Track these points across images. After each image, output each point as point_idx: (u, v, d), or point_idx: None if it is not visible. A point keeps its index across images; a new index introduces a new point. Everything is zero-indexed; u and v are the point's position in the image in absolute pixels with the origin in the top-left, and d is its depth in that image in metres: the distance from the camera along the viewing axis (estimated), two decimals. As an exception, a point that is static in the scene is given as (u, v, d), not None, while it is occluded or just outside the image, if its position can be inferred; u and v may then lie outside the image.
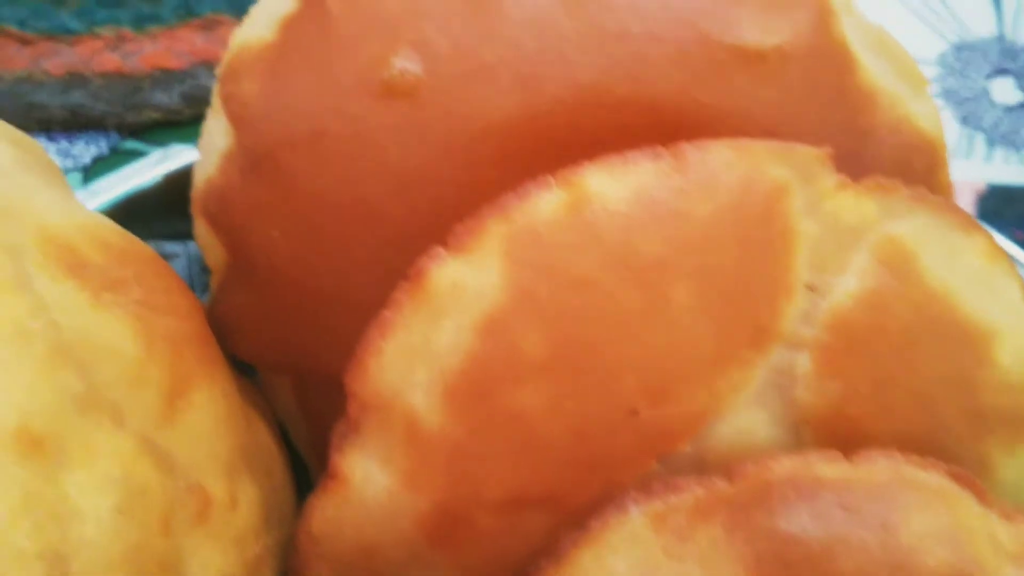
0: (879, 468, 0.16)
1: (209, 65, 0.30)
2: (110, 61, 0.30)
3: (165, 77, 0.30)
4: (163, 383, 0.15)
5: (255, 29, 0.18)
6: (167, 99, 0.30)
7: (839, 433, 0.18)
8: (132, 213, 0.18)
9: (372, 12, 0.17)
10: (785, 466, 0.17)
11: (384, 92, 0.17)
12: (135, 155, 0.30)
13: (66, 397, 0.13)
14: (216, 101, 0.18)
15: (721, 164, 0.16)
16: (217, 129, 0.18)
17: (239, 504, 0.16)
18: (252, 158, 0.18)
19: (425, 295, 0.16)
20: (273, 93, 0.18)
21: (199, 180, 0.19)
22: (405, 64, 0.17)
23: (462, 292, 0.16)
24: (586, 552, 0.17)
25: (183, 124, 0.30)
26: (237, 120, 0.18)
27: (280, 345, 0.19)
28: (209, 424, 0.16)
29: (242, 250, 0.19)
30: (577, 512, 0.17)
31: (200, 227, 0.19)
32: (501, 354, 0.16)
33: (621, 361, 0.16)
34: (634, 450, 0.17)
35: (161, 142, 0.30)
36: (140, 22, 0.31)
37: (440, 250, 0.16)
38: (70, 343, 0.14)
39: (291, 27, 0.18)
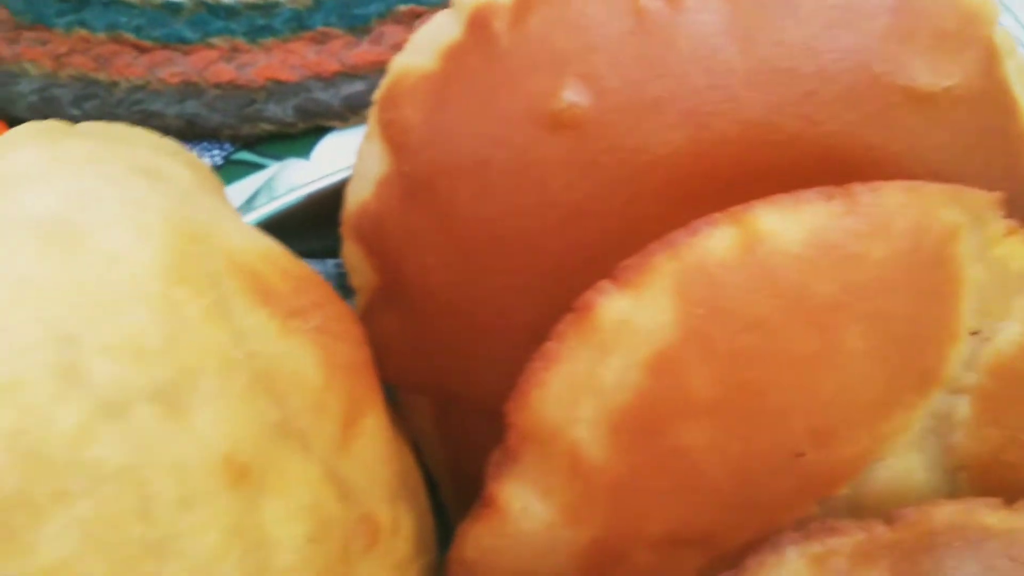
0: None
1: (321, 78, 0.31)
2: (225, 72, 0.30)
3: (279, 89, 0.30)
4: (340, 410, 0.15)
5: (417, 57, 0.18)
6: (280, 112, 0.30)
7: (996, 480, 0.17)
8: (273, 232, 0.18)
9: (542, 44, 0.17)
10: (947, 512, 0.17)
11: (551, 124, 0.17)
12: (248, 166, 0.31)
13: (266, 426, 0.14)
14: (373, 126, 0.19)
15: (894, 206, 0.16)
16: (373, 153, 0.19)
17: (400, 530, 0.17)
18: (411, 185, 0.18)
19: (592, 329, 0.16)
20: (435, 121, 0.18)
21: (352, 203, 0.19)
22: (573, 97, 0.17)
23: (631, 328, 0.16)
24: None
25: (295, 137, 0.30)
26: (397, 146, 0.18)
27: (426, 368, 0.19)
28: (377, 450, 0.16)
29: (394, 274, 0.19)
30: (732, 552, 0.17)
31: (350, 248, 0.19)
32: (670, 392, 0.16)
33: (790, 403, 0.16)
34: (795, 493, 0.17)
35: (274, 154, 0.30)
36: (253, 34, 0.31)
37: (607, 284, 0.16)
38: (265, 372, 0.14)
39: (455, 56, 0.18)
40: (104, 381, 0.12)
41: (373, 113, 0.19)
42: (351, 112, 0.31)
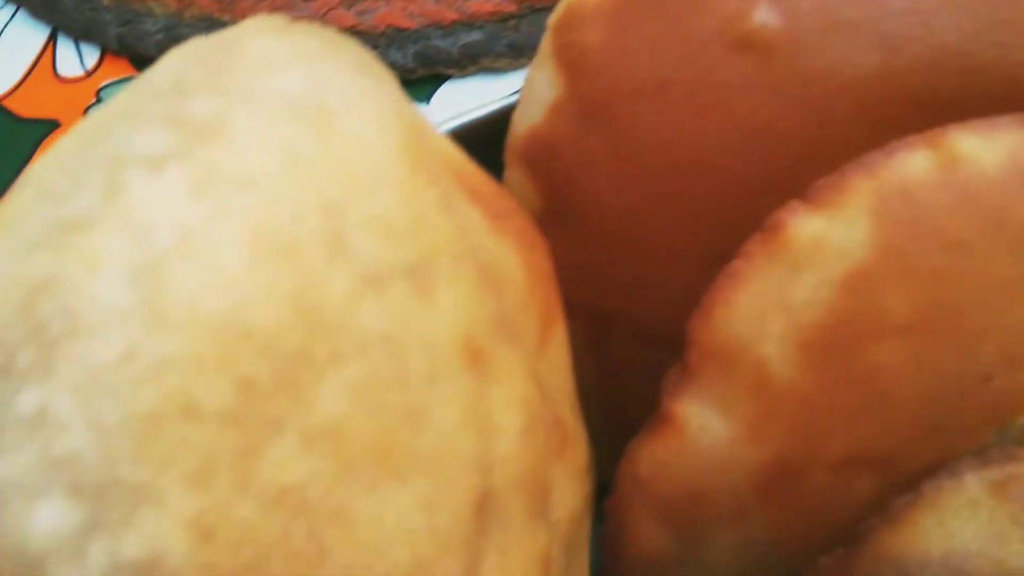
0: None
1: (439, 27, 0.31)
2: (346, 18, 0.31)
3: (399, 36, 0.31)
4: (539, 314, 0.16)
5: (596, -19, 0.18)
6: (400, 58, 0.30)
7: None
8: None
9: (732, -34, 0.17)
10: None
11: (739, 45, 0.17)
12: (369, 110, 0.31)
13: (491, 315, 0.14)
14: (546, 51, 0.19)
15: (1092, 134, 0.16)
16: (545, 79, 0.19)
17: (580, 439, 0.17)
18: (587, 108, 0.18)
19: (783, 247, 0.16)
20: (616, 43, 0.18)
21: (521, 128, 0.19)
22: (764, 17, 0.17)
23: (825, 246, 0.16)
24: (924, 514, 0.17)
25: (414, 83, 0.30)
26: (573, 70, 0.18)
27: (589, 291, 0.19)
28: (564, 359, 0.16)
29: (562, 198, 0.19)
30: (907, 477, 0.17)
31: (515, 173, 0.20)
32: (864, 311, 0.16)
33: (984, 326, 0.16)
34: (977, 418, 0.17)
35: (395, 99, 0.31)
36: (373, -19, 0.31)
37: (799, 204, 0.17)
38: (485, 265, 0.14)
39: (639, -21, 0.18)
40: (364, 254, 0.12)
41: (547, 39, 0.19)
42: (469, 61, 0.31)
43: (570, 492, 0.16)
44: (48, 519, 0.10)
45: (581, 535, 0.17)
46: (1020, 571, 0.16)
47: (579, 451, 0.16)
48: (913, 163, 0.16)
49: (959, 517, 0.16)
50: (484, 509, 0.13)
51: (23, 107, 0.33)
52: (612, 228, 0.19)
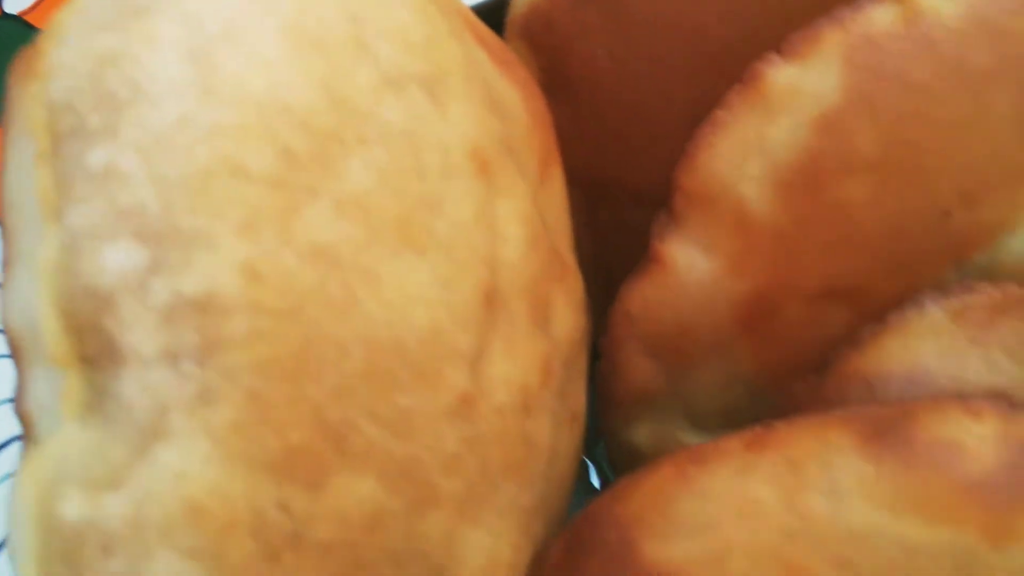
0: None
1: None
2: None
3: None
4: (539, 150, 0.17)
5: None
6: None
7: None
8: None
9: None
10: None
11: (722, -84, 0.18)
12: None
13: (496, 136, 0.15)
14: (544, -70, 0.20)
15: (1043, -10, 0.18)
16: (540, -42, 0.20)
17: (577, 277, 0.18)
18: (583, -20, 0.20)
19: (761, 96, 0.18)
20: (609, -81, 0.19)
21: (520, 4, 0.20)
22: None
23: (799, 93, 0.17)
24: (890, 340, 0.18)
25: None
26: (569, -55, 0.20)
27: (584, 156, 0.21)
28: (561, 199, 0.18)
29: (559, 68, 0.20)
30: (876, 309, 0.19)
31: (515, 47, 0.21)
32: (834, 149, 0.17)
33: (943, 164, 0.17)
34: (938, 252, 0.18)
35: None
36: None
37: (775, 56, 0.18)
38: (492, 94, 0.16)
39: None
40: (385, 57, 0.13)
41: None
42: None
43: (569, 318, 0.17)
44: (116, 260, 0.11)
45: (579, 363, 0.18)
46: (976, 384, 0.17)
47: (576, 285, 0.18)
48: (879, 16, 0.17)
49: (921, 340, 0.18)
50: (492, 301, 0.14)
51: (43, 22, 0.35)
52: (607, 95, 0.20)
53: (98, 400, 0.12)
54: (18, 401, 0.14)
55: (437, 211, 0.14)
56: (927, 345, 0.18)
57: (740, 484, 0.16)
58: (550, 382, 0.16)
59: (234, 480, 0.12)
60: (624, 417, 0.20)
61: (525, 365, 0.15)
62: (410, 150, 0.13)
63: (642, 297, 0.19)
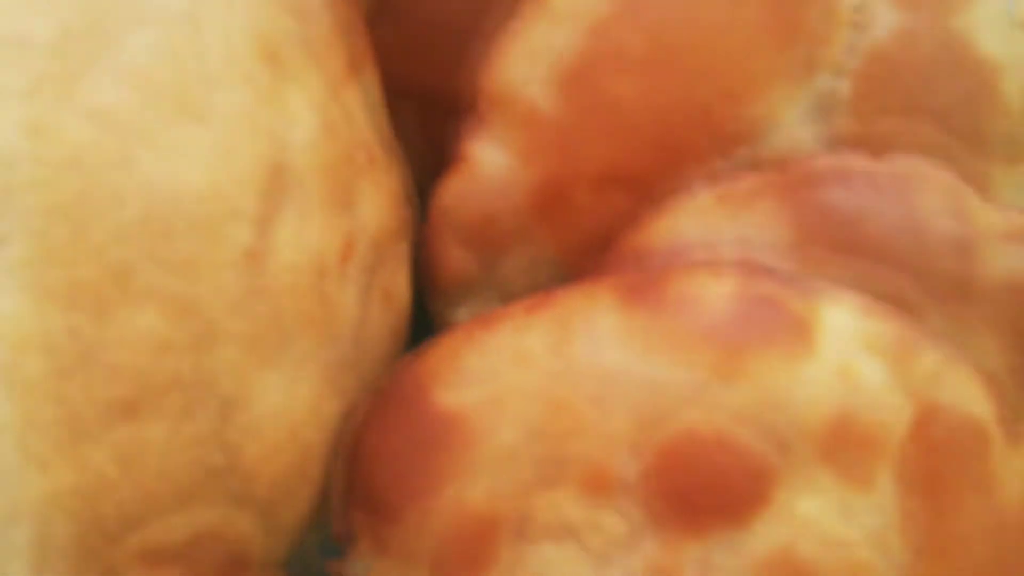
0: (901, 163, 0.20)
1: None
2: None
3: None
4: (345, 53, 0.19)
5: None
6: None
7: (870, 147, 0.21)
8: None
9: None
10: (825, 160, 0.20)
11: None
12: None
13: (291, 32, 0.17)
14: None
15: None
16: None
17: (390, 170, 0.20)
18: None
19: (546, 6, 0.20)
20: None
21: (350, -69, 0.22)
22: None
23: (576, 3, 0.20)
24: (661, 219, 0.20)
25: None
26: None
27: (412, 71, 0.23)
28: (373, 100, 0.20)
29: None
30: (654, 196, 0.21)
31: None
32: (607, 51, 0.20)
33: (704, 64, 0.20)
34: (706, 144, 0.21)
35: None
36: None
37: (559, -28, 0.20)
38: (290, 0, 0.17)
39: None
40: None
41: None
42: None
43: (380, 206, 0.19)
44: None
45: (397, 249, 0.20)
46: (729, 255, 0.19)
47: (390, 177, 0.20)
48: (646, -67, 0.20)
49: (688, 219, 0.20)
50: (280, 175, 0.16)
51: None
52: (426, 14, 0.22)
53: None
54: None
55: (217, 88, 0.16)
56: (691, 223, 0.20)
57: (517, 339, 0.19)
58: (352, 256, 0.18)
59: (25, 307, 0.14)
60: (445, 300, 0.22)
61: (321, 236, 0.18)
62: (189, 31, 0.15)
63: (451, 192, 0.21)
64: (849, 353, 0.18)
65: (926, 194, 0.20)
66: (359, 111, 0.20)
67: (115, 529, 0.15)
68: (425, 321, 0.24)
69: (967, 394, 0.18)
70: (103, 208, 0.14)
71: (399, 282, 0.21)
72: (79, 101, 0.14)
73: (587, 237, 0.22)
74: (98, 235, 0.14)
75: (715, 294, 0.19)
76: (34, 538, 0.15)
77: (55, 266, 0.14)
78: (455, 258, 0.22)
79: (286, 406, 0.17)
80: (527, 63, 0.20)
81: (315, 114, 0.18)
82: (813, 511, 0.18)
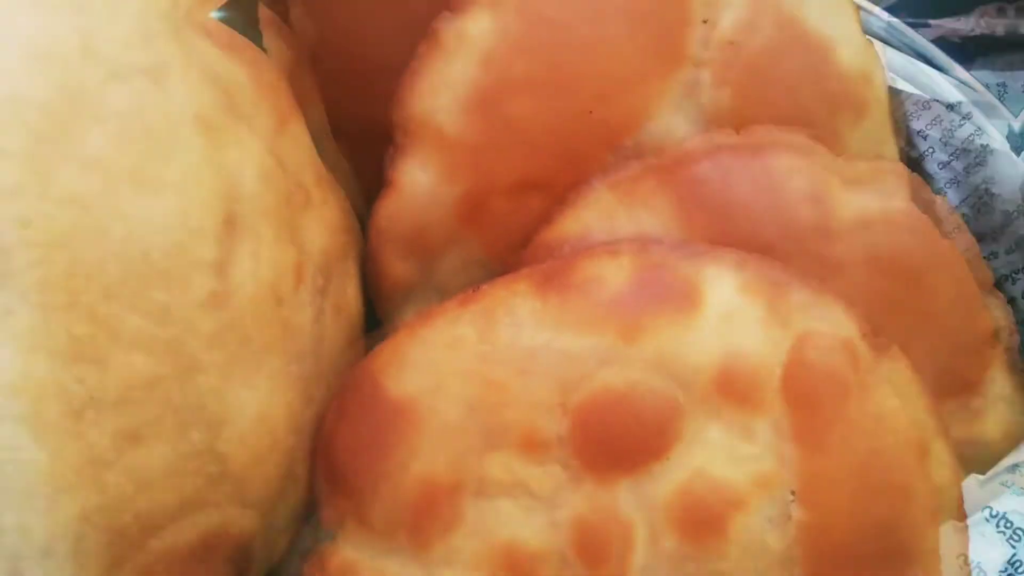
0: (759, 134, 0.23)
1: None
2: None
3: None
4: (273, 111, 0.22)
5: None
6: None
7: (735, 124, 0.24)
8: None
9: None
10: (696, 141, 0.24)
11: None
12: None
13: (219, 104, 0.20)
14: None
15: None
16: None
17: (327, 203, 0.23)
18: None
19: (440, 46, 0.23)
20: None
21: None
22: None
23: (465, 39, 0.23)
24: (568, 213, 0.24)
25: None
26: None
27: (348, 110, 0.26)
28: (303, 147, 0.23)
29: (328, 26, 0.25)
30: (562, 194, 0.24)
31: (297, 13, 0.25)
32: (497, 77, 0.22)
33: (579, 76, 0.23)
34: (595, 143, 0.24)
35: None
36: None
37: (447, 13, 0.23)
38: (213, 73, 0.20)
39: None
40: (110, 57, 0.18)
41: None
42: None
43: (320, 234, 0.22)
44: None
45: (343, 269, 0.23)
46: (623, 234, 0.23)
47: (328, 211, 0.23)
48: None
49: (588, 210, 0.23)
50: (232, 223, 0.19)
51: None
52: (356, 60, 0.25)
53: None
54: None
55: (167, 161, 0.18)
56: (590, 212, 0.23)
57: (450, 330, 0.22)
58: (303, 282, 0.21)
59: (37, 365, 0.17)
60: (392, 305, 0.25)
61: (274, 268, 0.20)
62: (138, 121, 0.18)
63: (386, 212, 0.24)
64: (730, 300, 0.21)
65: (781, 156, 0.23)
66: (292, 158, 0.22)
67: (137, 536, 0.18)
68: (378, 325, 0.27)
69: (833, 319, 0.21)
70: (89, 275, 0.17)
71: (349, 296, 0.24)
72: (55, 191, 0.17)
73: (508, 236, 0.25)
74: (87, 297, 0.17)
75: (614, 272, 0.22)
76: (72, 551, 0.17)
77: (56, 328, 0.17)
78: (396, 268, 0.25)
79: (265, 418, 0.20)
80: (431, 95, 0.23)
81: (254, 167, 0.20)
82: (719, 437, 0.21)
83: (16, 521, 0.17)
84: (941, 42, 0.32)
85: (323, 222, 0.23)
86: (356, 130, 0.27)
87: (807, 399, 0.21)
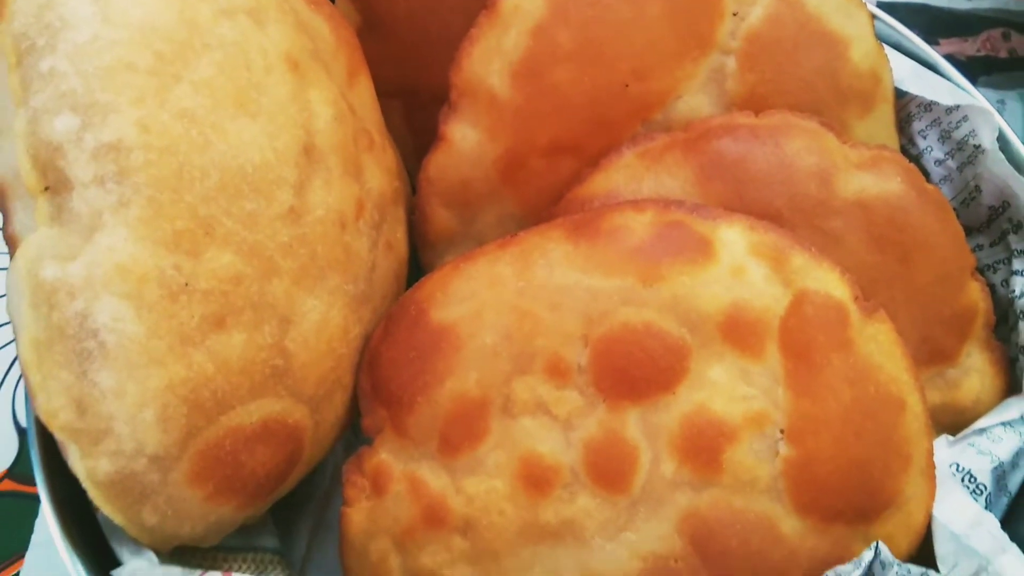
0: (776, 117, 0.26)
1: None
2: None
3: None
4: (346, 64, 0.24)
5: None
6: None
7: (754, 107, 0.27)
8: None
9: None
10: (719, 119, 0.26)
11: None
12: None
13: (306, 47, 0.23)
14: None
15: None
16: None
17: (387, 151, 0.26)
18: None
19: (497, 15, 0.26)
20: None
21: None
22: None
23: (520, 10, 0.25)
24: (597, 175, 0.26)
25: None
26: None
27: (397, 75, 0.28)
28: (369, 98, 0.25)
29: (370, 12, 0.28)
30: (593, 158, 0.27)
31: (341, 2, 0.28)
32: (545, 47, 0.25)
33: (619, 52, 0.25)
34: (627, 114, 0.26)
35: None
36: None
37: (505, -12, 0.26)
38: (302, 21, 0.23)
39: None
40: None
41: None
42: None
43: (380, 176, 0.25)
44: (61, 124, 0.19)
45: (395, 212, 0.26)
46: (647, 195, 0.25)
47: (384, 156, 0.25)
48: (568, -45, 0.25)
49: (617, 173, 0.26)
50: (310, 152, 0.22)
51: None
52: (406, 26, 0.27)
53: (57, 212, 0.19)
54: (5, 228, 0.20)
55: (262, 92, 0.21)
56: (619, 175, 0.26)
57: (491, 267, 0.24)
58: (363, 214, 0.24)
59: (143, 251, 0.19)
60: (435, 254, 0.28)
61: (340, 198, 0.23)
62: (240, 53, 0.21)
63: (435, 164, 0.27)
64: (740, 258, 0.24)
65: (794, 138, 0.26)
66: (359, 106, 0.25)
67: (212, 411, 0.21)
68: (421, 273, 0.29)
69: (828, 281, 0.24)
70: (193, 179, 0.20)
71: (399, 237, 0.27)
72: (171, 105, 0.19)
73: (541, 195, 0.27)
74: (191, 198, 0.20)
75: (638, 223, 0.24)
76: (158, 417, 0.20)
77: (162, 221, 0.19)
78: (441, 216, 0.28)
79: (325, 325, 0.22)
80: (486, 61, 0.26)
81: (329, 107, 0.23)
82: (721, 376, 0.23)
83: (114, 385, 0.20)
84: (948, 58, 0.35)
85: (381, 166, 0.26)
86: (400, 94, 0.30)
87: (800, 349, 0.24)
